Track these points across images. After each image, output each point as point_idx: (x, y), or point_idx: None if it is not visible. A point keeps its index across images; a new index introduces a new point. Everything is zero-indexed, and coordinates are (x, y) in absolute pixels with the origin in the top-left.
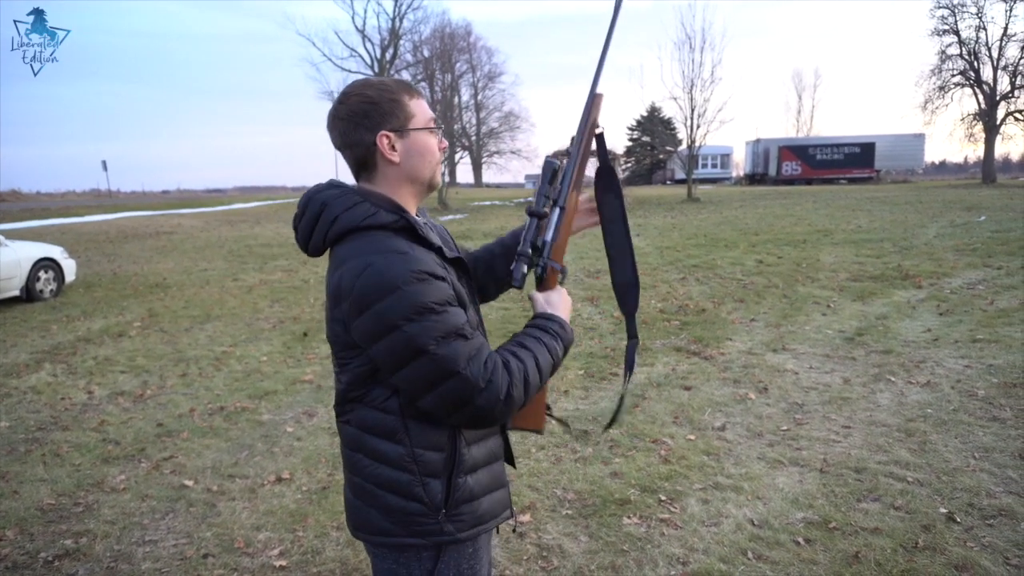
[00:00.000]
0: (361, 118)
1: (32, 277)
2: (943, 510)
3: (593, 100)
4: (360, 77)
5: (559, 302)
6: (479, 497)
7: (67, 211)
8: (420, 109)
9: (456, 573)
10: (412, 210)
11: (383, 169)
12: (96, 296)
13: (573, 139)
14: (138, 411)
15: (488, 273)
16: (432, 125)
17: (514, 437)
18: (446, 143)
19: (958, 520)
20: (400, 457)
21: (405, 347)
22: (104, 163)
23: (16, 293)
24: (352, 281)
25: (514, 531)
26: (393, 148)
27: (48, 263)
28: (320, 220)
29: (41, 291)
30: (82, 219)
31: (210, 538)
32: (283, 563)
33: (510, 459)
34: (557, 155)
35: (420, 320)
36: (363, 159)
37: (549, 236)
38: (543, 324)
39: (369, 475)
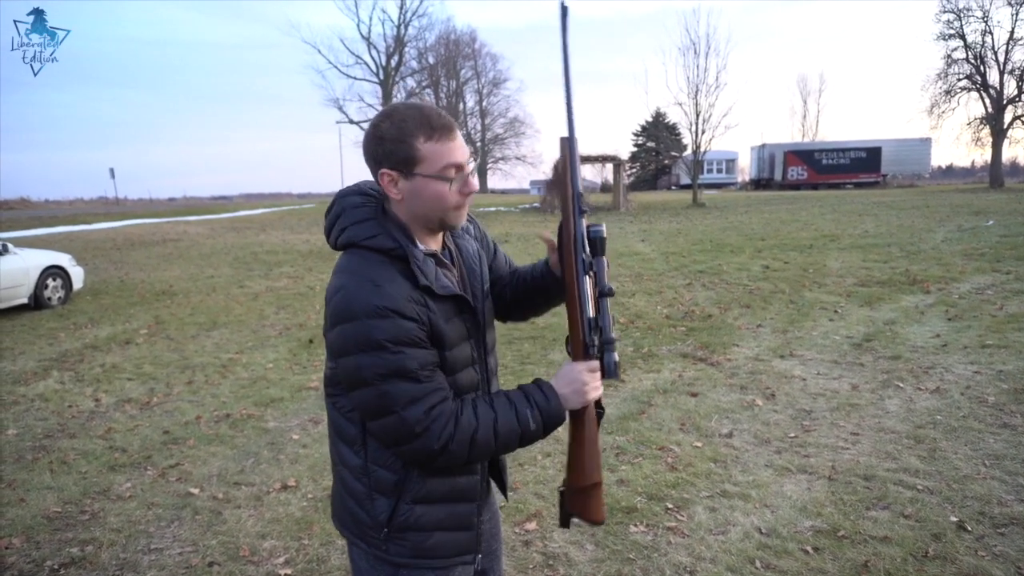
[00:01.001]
0: (370, 148)
1: (40, 285)
2: (953, 518)
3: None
4: (367, 84)
5: (565, 373)
6: (429, 530)
7: (75, 219)
8: (434, 154)
9: None
10: (426, 240)
11: (392, 199)
12: (103, 303)
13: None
14: (144, 418)
15: (522, 293)
16: (446, 173)
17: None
18: (474, 186)
19: (969, 529)
20: (357, 467)
21: (354, 374)
22: (112, 171)
23: (24, 301)
24: (330, 296)
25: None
26: (395, 185)
27: (56, 271)
28: (335, 225)
29: (49, 299)
30: (90, 227)
31: (216, 546)
32: (288, 571)
33: (502, 489)
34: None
35: (369, 354)
36: (378, 184)
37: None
38: (528, 390)
39: (338, 473)
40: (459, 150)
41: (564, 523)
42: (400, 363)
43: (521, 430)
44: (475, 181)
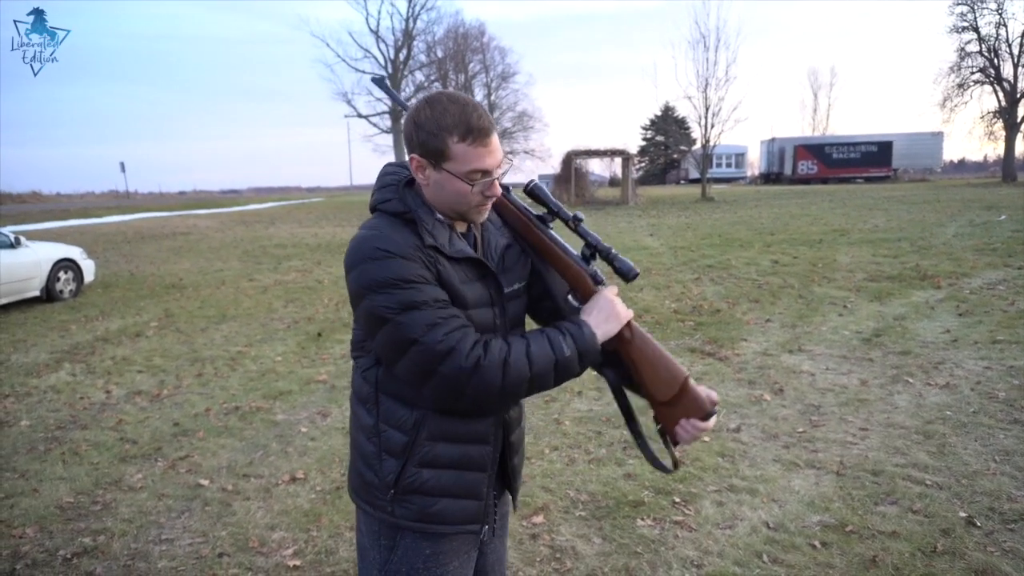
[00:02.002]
0: (407, 130)
1: (52, 277)
2: (963, 514)
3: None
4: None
5: (589, 306)
6: (435, 495)
7: (86, 212)
8: (464, 155)
9: (408, 569)
10: (449, 217)
11: (422, 187)
12: (114, 296)
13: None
14: (155, 410)
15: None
16: (472, 177)
17: (527, 438)
18: (497, 190)
19: (978, 524)
20: (369, 427)
21: (371, 315)
22: (122, 164)
23: (36, 293)
24: (349, 247)
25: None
26: (423, 172)
27: (68, 264)
28: (373, 192)
29: (61, 291)
30: (101, 220)
31: (225, 537)
32: (297, 563)
33: (512, 496)
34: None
35: (380, 292)
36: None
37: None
38: (558, 324)
39: (353, 436)
40: (490, 156)
41: (676, 464)
42: (411, 297)
43: (556, 357)
44: (496, 187)
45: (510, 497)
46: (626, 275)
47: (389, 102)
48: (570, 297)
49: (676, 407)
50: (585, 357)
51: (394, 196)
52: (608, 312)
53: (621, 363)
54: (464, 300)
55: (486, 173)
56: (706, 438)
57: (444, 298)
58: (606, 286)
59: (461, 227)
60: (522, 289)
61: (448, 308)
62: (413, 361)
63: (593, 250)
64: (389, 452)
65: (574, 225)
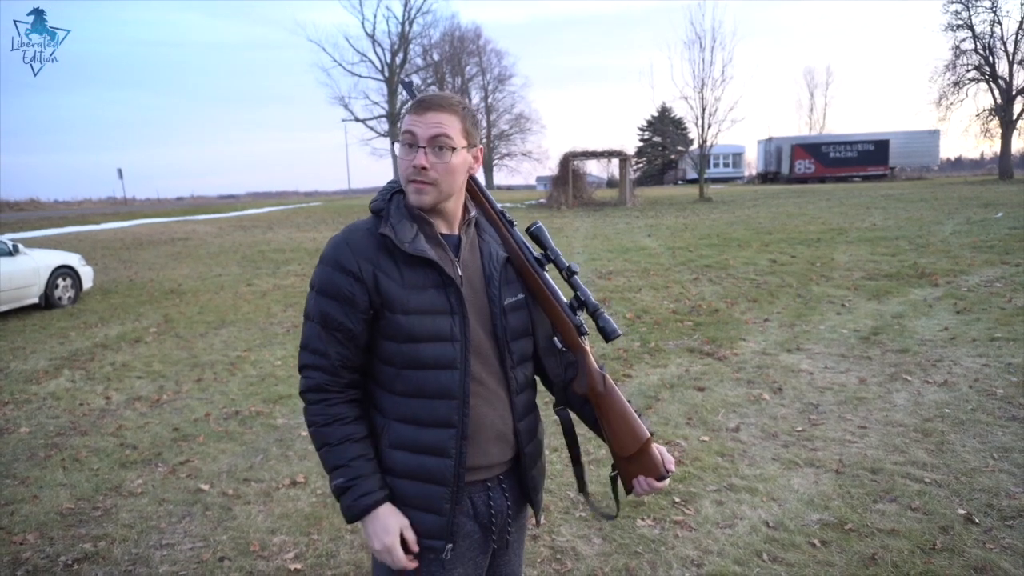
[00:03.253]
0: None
1: (50, 284)
2: (961, 511)
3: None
4: (372, 82)
5: (373, 520)
6: (400, 504)
7: (84, 219)
8: (406, 122)
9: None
10: (436, 221)
11: None
12: (113, 303)
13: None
14: (155, 416)
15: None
16: (401, 139)
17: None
18: (420, 161)
19: (977, 521)
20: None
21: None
22: (120, 171)
23: (35, 300)
24: None
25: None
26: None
27: (66, 270)
28: None
29: (59, 298)
30: (99, 227)
31: (226, 541)
32: (298, 566)
33: (534, 511)
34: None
35: (310, 292)
36: None
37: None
38: (366, 467)
39: None
40: (421, 125)
41: (617, 513)
42: (316, 307)
43: (329, 476)
44: (420, 158)
45: (530, 511)
46: (607, 335)
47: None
48: (556, 339)
49: (634, 464)
50: (340, 501)
51: (380, 197)
52: (381, 532)
53: (590, 410)
54: (398, 304)
55: (412, 136)
56: (705, 437)
57: (343, 326)
58: (587, 336)
59: (444, 227)
60: (523, 301)
61: (329, 339)
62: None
63: (581, 304)
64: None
65: (567, 276)
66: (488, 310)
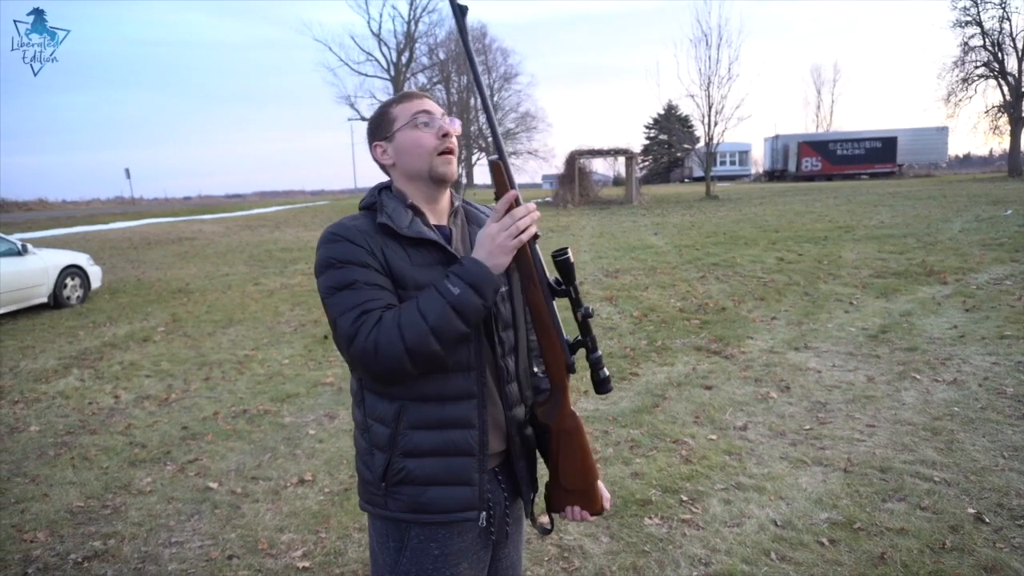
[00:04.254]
0: (367, 136)
1: (59, 284)
2: (971, 510)
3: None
4: (378, 81)
5: (477, 240)
6: (423, 484)
7: (92, 219)
8: (402, 111)
9: (418, 571)
10: (426, 203)
11: (390, 172)
12: (121, 302)
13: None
14: (163, 415)
15: None
16: (415, 120)
17: None
18: (447, 128)
19: (987, 520)
20: (360, 423)
21: (321, 295)
22: (127, 171)
23: (44, 300)
24: None
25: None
26: (385, 153)
27: (75, 270)
28: None
29: (68, 298)
30: (107, 226)
31: (234, 539)
32: (306, 564)
33: (523, 498)
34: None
35: (324, 274)
36: (379, 167)
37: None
38: (448, 271)
39: (354, 438)
40: (428, 104)
41: (551, 529)
42: (343, 276)
43: (446, 299)
44: (450, 124)
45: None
46: (597, 387)
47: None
48: (537, 370)
49: (573, 495)
50: (480, 288)
51: (368, 195)
52: (490, 247)
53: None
54: (415, 281)
55: (427, 114)
56: (713, 436)
57: (377, 282)
58: (574, 372)
59: (435, 219)
60: (509, 292)
61: (374, 291)
62: (336, 338)
63: (583, 346)
64: (377, 447)
65: (582, 318)
66: None
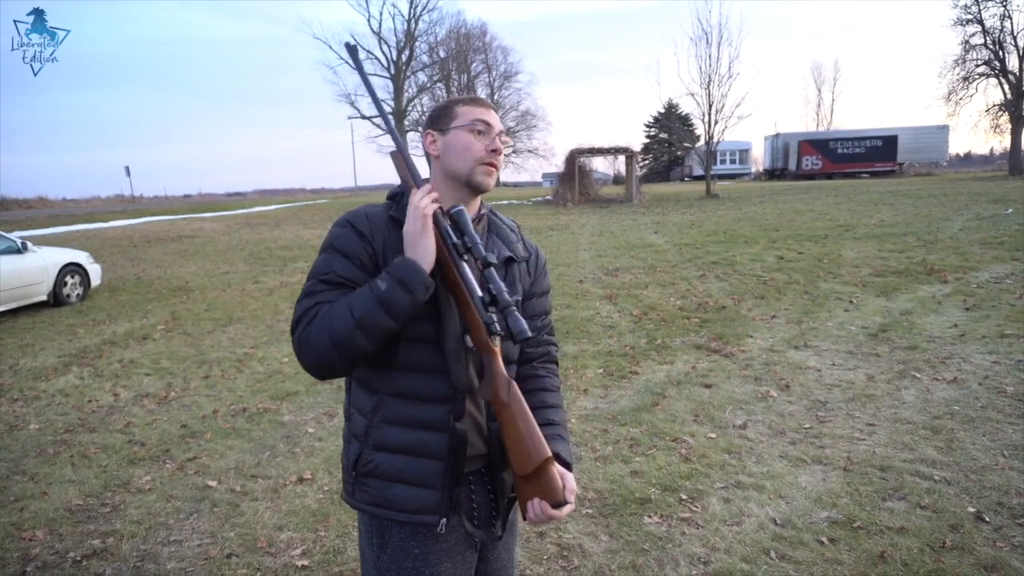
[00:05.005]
0: (425, 122)
1: (59, 282)
2: (971, 509)
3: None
4: (378, 79)
5: (403, 234)
6: (389, 480)
7: (92, 217)
8: (467, 112)
9: (398, 568)
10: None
11: (432, 164)
12: (121, 300)
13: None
14: (162, 413)
15: None
16: (473, 125)
17: None
18: (498, 145)
19: (987, 519)
20: (346, 411)
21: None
22: (127, 169)
23: (44, 298)
24: None
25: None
26: (434, 143)
27: (74, 268)
28: None
29: (68, 296)
30: (107, 224)
31: (233, 538)
32: (305, 563)
33: (501, 522)
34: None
35: (320, 253)
36: (425, 155)
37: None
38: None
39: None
40: (490, 116)
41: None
42: (328, 264)
43: (373, 293)
44: (499, 143)
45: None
46: (513, 336)
47: (392, 103)
48: (467, 337)
49: (530, 484)
50: (407, 282)
51: (398, 187)
52: (408, 240)
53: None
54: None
55: (488, 124)
56: (712, 434)
57: (353, 279)
58: (499, 336)
59: None
60: (516, 303)
61: (337, 288)
62: (295, 307)
63: (493, 300)
64: (355, 436)
65: (481, 266)
66: None
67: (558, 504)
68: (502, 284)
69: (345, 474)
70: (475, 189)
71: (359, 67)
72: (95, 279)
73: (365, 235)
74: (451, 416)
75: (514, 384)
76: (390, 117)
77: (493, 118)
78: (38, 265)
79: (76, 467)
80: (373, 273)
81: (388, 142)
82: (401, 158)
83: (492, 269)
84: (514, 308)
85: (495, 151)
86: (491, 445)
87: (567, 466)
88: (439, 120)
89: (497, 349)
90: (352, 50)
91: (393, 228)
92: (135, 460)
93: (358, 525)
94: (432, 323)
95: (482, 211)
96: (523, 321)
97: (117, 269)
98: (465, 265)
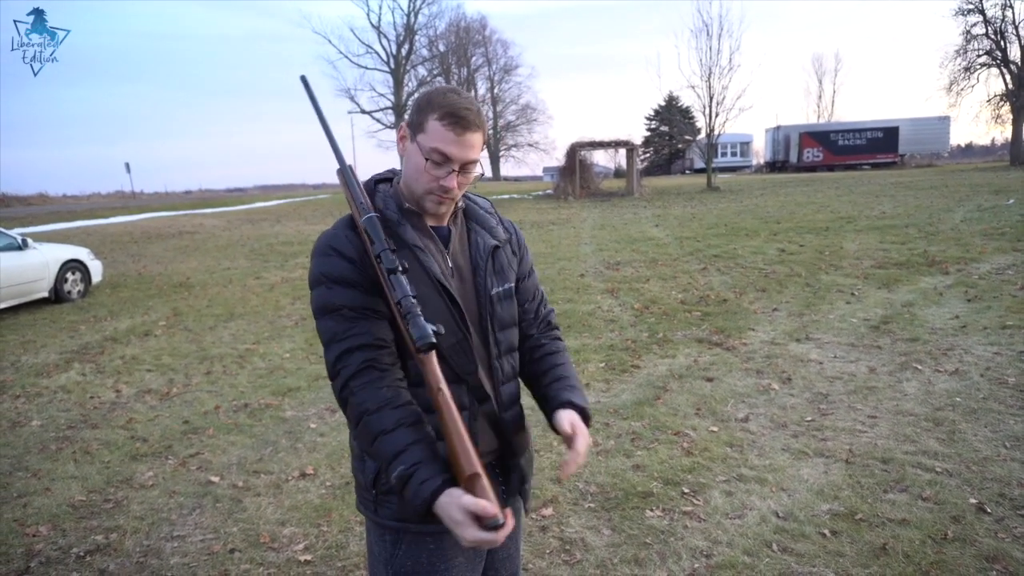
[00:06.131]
0: (409, 112)
1: (60, 279)
2: (973, 500)
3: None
4: (378, 74)
5: (450, 504)
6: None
7: (93, 213)
8: (434, 132)
9: (413, 564)
10: (420, 210)
11: (401, 160)
12: (122, 296)
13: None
14: (165, 409)
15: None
16: (432, 155)
17: (538, 430)
18: (449, 184)
19: (989, 511)
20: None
21: (312, 309)
22: (127, 165)
23: (45, 294)
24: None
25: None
26: (403, 142)
27: (75, 264)
28: None
29: (69, 292)
30: (107, 220)
31: (236, 533)
32: (308, 557)
33: (523, 501)
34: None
35: (315, 288)
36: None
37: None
38: (427, 454)
39: (349, 439)
40: (457, 145)
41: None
42: (331, 299)
43: (388, 462)
44: (453, 181)
45: (521, 498)
46: (415, 342)
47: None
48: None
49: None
50: (403, 492)
51: (362, 192)
52: (446, 514)
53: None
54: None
55: (446, 158)
56: (714, 428)
57: (363, 305)
58: (425, 353)
59: (433, 220)
60: (511, 290)
61: (357, 322)
62: (325, 360)
63: (398, 305)
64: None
65: (385, 275)
66: (476, 300)
67: (490, 528)
68: (406, 289)
69: (362, 490)
70: (422, 209)
71: (312, 98)
72: (96, 275)
73: (352, 258)
74: (471, 395)
75: (444, 392)
76: (337, 142)
77: (460, 148)
78: (39, 262)
79: (79, 463)
80: (375, 291)
81: (389, 137)
82: (343, 180)
83: (397, 275)
84: (416, 315)
85: (444, 188)
86: (505, 438)
87: (582, 411)
88: (413, 120)
89: (427, 357)
90: (304, 81)
91: (355, 230)
92: (137, 456)
93: (367, 523)
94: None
95: (459, 204)
96: (425, 327)
97: (118, 265)
98: (393, 277)
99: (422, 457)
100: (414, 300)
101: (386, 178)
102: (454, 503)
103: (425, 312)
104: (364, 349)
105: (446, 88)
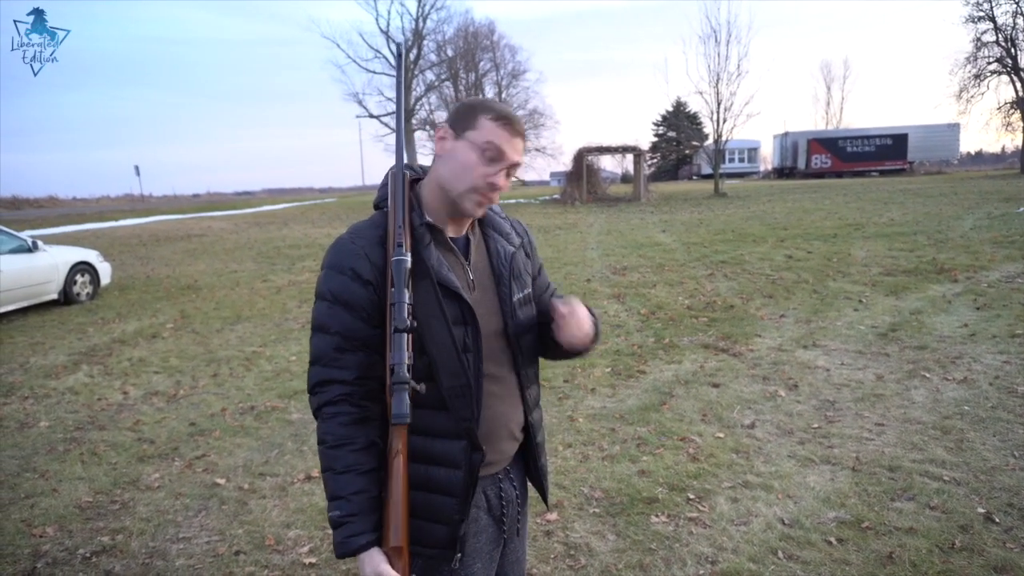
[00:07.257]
0: (448, 116)
1: (69, 281)
2: (981, 510)
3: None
4: (386, 78)
5: (370, 557)
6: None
7: (102, 216)
8: (489, 130)
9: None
10: (444, 222)
11: (435, 162)
12: (130, 299)
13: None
14: (171, 411)
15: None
16: (484, 148)
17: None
18: (500, 182)
19: (997, 520)
20: None
21: (312, 316)
22: (137, 168)
23: (54, 296)
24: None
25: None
26: (444, 141)
27: (84, 267)
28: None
29: (78, 294)
30: (116, 223)
31: (242, 535)
32: (313, 560)
33: (542, 496)
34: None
35: (318, 301)
36: (434, 150)
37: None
38: (354, 507)
39: None
40: (511, 145)
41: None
42: (328, 319)
43: (328, 500)
44: (504, 180)
45: (534, 497)
46: (392, 415)
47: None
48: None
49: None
50: (335, 532)
51: (381, 190)
52: (363, 571)
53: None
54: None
55: (500, 154)
56: (720, 434)
57: (359, 336)
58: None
59: (452, 231)
60: (530, 296)
61: (346, 353)
62: (308, 371)
63: (390, 369)
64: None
65: (392, 331)
66: (499, 309)
67: None
68: (403, 355)
69: None
70: (460, 214)
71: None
72: (105, 278)
73: (362, 276)
74: (468, 452)
75: (399, 459)
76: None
77: (512, 148)
78: (48, 264)
79: (86, 464)
80: (378, 320)
81: (394, 141)
82: (392, 188)
83: (401, 335)
84: (401, 388)
85: (494, 186)
86: (531, 438)
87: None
88: (459, 120)
89: (394, 428)
90: (399, 51)
91: (383, 247)
92: (144, 458)
93: None
94: (425, 359)
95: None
96: (404, 406)
97: (127, 268)
98: (396, 335)
99: (359, 509)
100: (408, 371)
101: (416, 178)
102: (372, 565)
103: (431, 346)
104: (344, 384)
105: (487, 98)
